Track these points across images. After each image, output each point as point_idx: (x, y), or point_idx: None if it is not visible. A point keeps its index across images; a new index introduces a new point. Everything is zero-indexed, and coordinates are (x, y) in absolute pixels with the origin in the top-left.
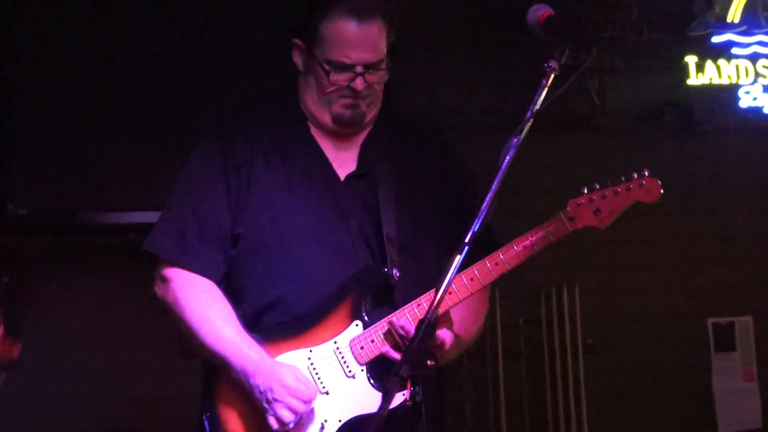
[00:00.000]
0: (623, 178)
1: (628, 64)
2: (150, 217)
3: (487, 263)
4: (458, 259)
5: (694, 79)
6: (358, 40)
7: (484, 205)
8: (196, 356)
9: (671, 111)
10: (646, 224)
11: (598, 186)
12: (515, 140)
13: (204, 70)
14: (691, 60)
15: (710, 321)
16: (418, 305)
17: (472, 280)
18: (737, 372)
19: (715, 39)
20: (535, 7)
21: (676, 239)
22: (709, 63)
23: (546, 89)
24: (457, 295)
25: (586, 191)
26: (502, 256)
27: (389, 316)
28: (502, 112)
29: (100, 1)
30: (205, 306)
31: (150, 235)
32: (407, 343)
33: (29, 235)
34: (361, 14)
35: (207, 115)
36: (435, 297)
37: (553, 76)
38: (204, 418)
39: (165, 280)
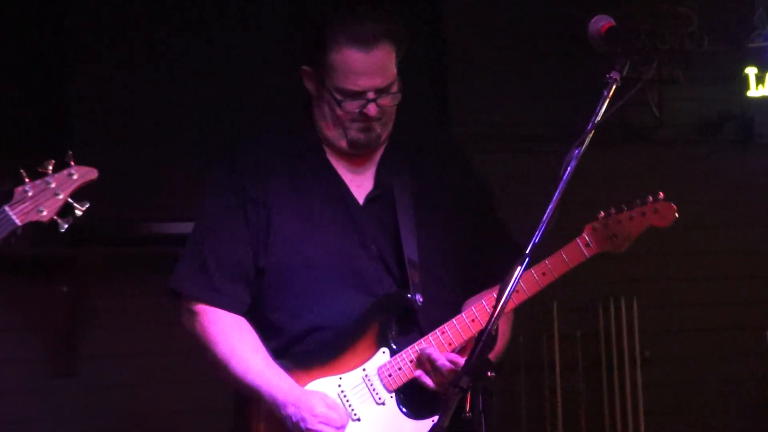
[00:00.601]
0: (638, 202)
1: (687, 75)
2: None
3: None
4: (519, 271)
5: (754, 91)
6: (366, 67)
7: (546, 216)
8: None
9: (731, 123)
10: (705, 236)
11: (614, 210)
12: (576, 152)
13: (261, 83)
14: (751, 72)
15: None
16: (443, 333)
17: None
18: None
19: None
20: (596, 18)
21: (735, 251)
22: None
23: (607, 101)
24: (480, 323)
25: (602, 215)
26: (522, 284)
27: (415, 344)
28: (561, 123)
29: (157, 11)
30: (232, 339)
31: (174, 273)
32: (436, 369)
33: (85, 246)
34: (367, 41)
35: (265, 130)
36: (495, 308)
37: (614, 87)
38: None
39: (192, 314)
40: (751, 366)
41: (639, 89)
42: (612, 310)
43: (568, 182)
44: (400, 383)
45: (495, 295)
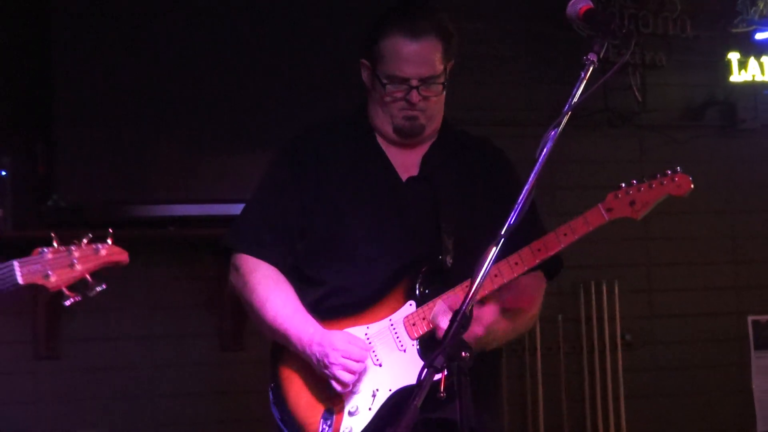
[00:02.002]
0: (658, 175)
1: (670, 60)
2: (191, 210)
3: (530, 248)
4: (494, 251)
5: (736, 76)
6: (412, 55)
7: (521, 197)
8: (237, 350)
9: (714, 108)
10: (687, 221)
11: (635, 181)
12: (553, 133)
13: (249, 69)
14: (734, 57)
15: (750, 318)
16: (466, 286)
17: (516, 264)
18: None
19: (759, 36)
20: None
21: (716, 236)
22: (752, 60)
23: (584, 82)
24: (502, 278)
25: (623, 186)
26: (543, 242)
27: (441, 296)
28: (538, 107)
29: None
30: (268, 287)
31: (227, 233)
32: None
33: (68, 229)
34: (415, 32)
35: (250, 113)
36: (470, 289)
37: (591, 69)
38: (269, 389)
39: (237, 268)
40: (732, 351)
41: (617, 71)
42: (593, 294)
43: (544, 164)
44: (422, 332)
45: (520, 254)
